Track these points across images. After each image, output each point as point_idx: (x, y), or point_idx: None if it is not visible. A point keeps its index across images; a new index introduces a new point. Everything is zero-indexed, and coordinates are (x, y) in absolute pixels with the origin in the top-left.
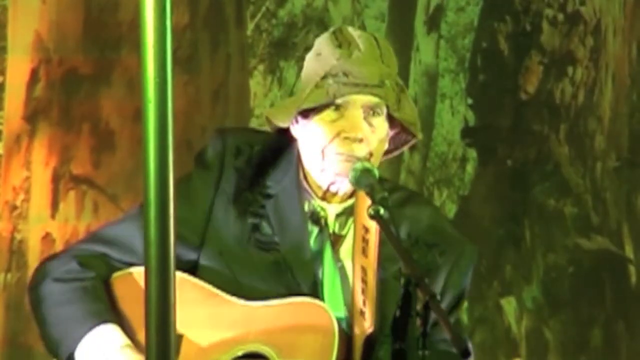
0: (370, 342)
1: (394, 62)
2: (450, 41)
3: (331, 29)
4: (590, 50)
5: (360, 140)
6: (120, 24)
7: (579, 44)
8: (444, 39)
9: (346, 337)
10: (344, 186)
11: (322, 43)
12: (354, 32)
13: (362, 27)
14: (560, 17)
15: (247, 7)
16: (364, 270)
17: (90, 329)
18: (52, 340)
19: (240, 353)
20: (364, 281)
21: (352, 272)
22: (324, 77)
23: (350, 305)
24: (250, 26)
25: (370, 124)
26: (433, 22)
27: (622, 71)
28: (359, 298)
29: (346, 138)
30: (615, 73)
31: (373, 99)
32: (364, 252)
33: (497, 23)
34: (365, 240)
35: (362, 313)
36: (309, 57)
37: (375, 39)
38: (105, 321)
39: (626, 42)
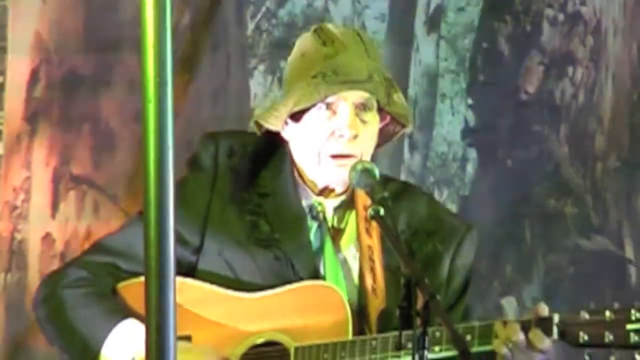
0: (385, 319)
1: (379, 55)
2: (451, 41)
3: (312, 28)
4: (590, 50)
5: (355, 137)
6: (121, 24)
7: (579, 44)
8: (444, 39)
9: (358, 315)
10: (341, 186)
11: (305, 43)
12: (335, 29)
13: (362, 27)
14: (561, 17)
15: (247, 7)
16: (370, 249)
17: (115, 324)
18: (76, 344)
19: (255, 342)
20: (372, 259)
21: (354, 259)
22: (314, 77)
23: (353, 295)
24: (250, 26)
25: (362, 120)
26: (433, 23)
27: (622, 71)
28: (369, 276)
29: (341, 136)
30: (616, 73)
31: (364, 95)
32: (368, 232)
33: (497, 23)
34: (367, 221)
35: (373, 290)
36: (293, 58)
37: (358, 34)
38: (127, 316)
39: (626, 42)
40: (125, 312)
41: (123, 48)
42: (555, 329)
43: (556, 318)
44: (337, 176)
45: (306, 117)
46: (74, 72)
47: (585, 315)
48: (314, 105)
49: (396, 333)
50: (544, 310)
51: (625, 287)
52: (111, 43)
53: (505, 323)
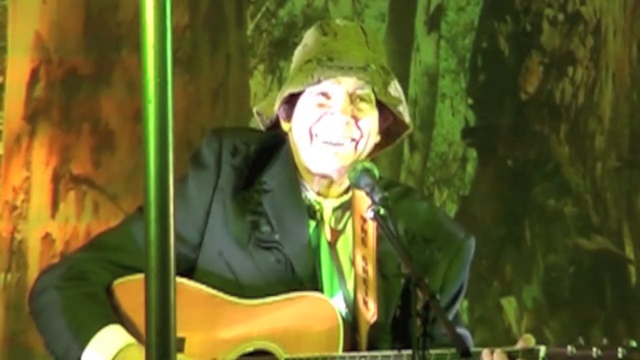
0: (376, 330)
1: (381, 50)
2: (451, 41)
3: (318, 22)
4: (590, 50)
5: (347, 123)
6: (120, 24)
7: (579, 44)
8: (444, 39)
9: (350, 326)
10: (336, 174)
11: (308, 35)
12: (340, 22)
13: None
14: (561, 17)
15: (247, 7)
16: (364, 259)
17: (97, 331)
18: (59, 347)
19: (246, 350)
20: (365, 271)
21: (350, 264)
22: (308, 62)
23: (348, 298)
24: (250, 26)
25: (358, 109)
26: (433, 22)
27: (622, 71)
28: (361, 287)
29: (332, 115)
30: (615, 73)
31: (358, 82)
32: (364, 242)
33: (497, 23)
34: (364, 231)
35: (365, 302)
36: (297, 50)
37: (362, 28)
38: (110, 322)
39: (626, 42)
40: (111, 318)
41: (123, 48)
42: None
43: (542, 351)
44: (332, 164)
45: (300, 101)
46: (73, 72)
47: (572, 350)
48: (308, 90)
49: (385, 352)
50: (530, 341)
51: (625, 287)
52: (111, 43)
53: (492, 352)
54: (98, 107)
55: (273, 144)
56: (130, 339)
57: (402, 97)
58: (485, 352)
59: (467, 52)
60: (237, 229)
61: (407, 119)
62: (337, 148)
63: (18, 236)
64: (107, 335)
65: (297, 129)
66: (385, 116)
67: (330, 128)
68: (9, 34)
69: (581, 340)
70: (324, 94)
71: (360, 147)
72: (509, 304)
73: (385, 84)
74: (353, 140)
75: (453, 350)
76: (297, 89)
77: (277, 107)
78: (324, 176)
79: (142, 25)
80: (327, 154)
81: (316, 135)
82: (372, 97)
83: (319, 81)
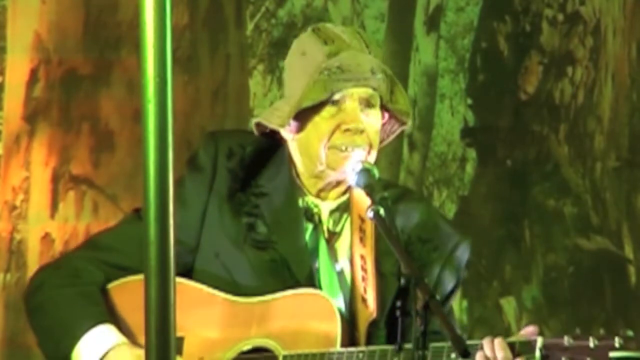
0: (374, 328)
1: (378, 52)
2: (450, 41)
3: (309, 28)
4: (589, 50)
5: (362, 132)
6: (120, 24)
7: (578, 44)
8: (444, 39)
9: (348, 323)
10: (345, 179)
11: (305, 42)
12: (334, 27)
13: (362, 27)
14: (560, 17)
15: (247, 7)
16: (363, 258)
17: (87, 330)
18: (50, 344)
19: (244, 348)
20: (364, 269)
21: (349, 263)
22: (320, 74)
23: (347, 297)
24: (250, 26)
25: (367, 116)
26: (432, 22)
27: (622, 71)
28: (359, 285)
29: (347, 130)
30: (615, 73)
31: (368, 91)
32: (362, 241)
33: (496, 23)
34: (362, 230)
35: (363, 300)
36: (292, 58)
37: (357, 32)
38: (101, 322)
39: (626, 42)
40: (102, 317)
41: (123, 48)
42: (538, 353)
43: (539, 342)
44: (343, 168)
45: (310, 114)
46: (73, 72)
47: (569, 340)
48: (320, 102)
49: (383, 347)
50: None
51: (624, 287)
52: (111, 43)
53: (492, 340)
54: (97, 107)
55: (269, 146)
56: (122, 339)
57: (408, 101)
58: (486, 341)
59: (467, 52)
60: (232, 230)
61: (409, 124)
62: (351, 153)
63: (17, 236)
64: (97, 334)
65: (307, 143)
66: (381, 114)
67: (344, 138)
68: (8, 33)
69: (578, 331)
70: (335, 104)
71: (372, 152)
72: (509, 304)
73: (391, 91)
74: (365, 147)
75: (449, 343)
76: (313, 103)
77: (286, 121)
78: (336, 181)
79: (141, 25)
80: (341, 160)
81: (331, 146)
82: (378, 101)
83: (332, 93)
